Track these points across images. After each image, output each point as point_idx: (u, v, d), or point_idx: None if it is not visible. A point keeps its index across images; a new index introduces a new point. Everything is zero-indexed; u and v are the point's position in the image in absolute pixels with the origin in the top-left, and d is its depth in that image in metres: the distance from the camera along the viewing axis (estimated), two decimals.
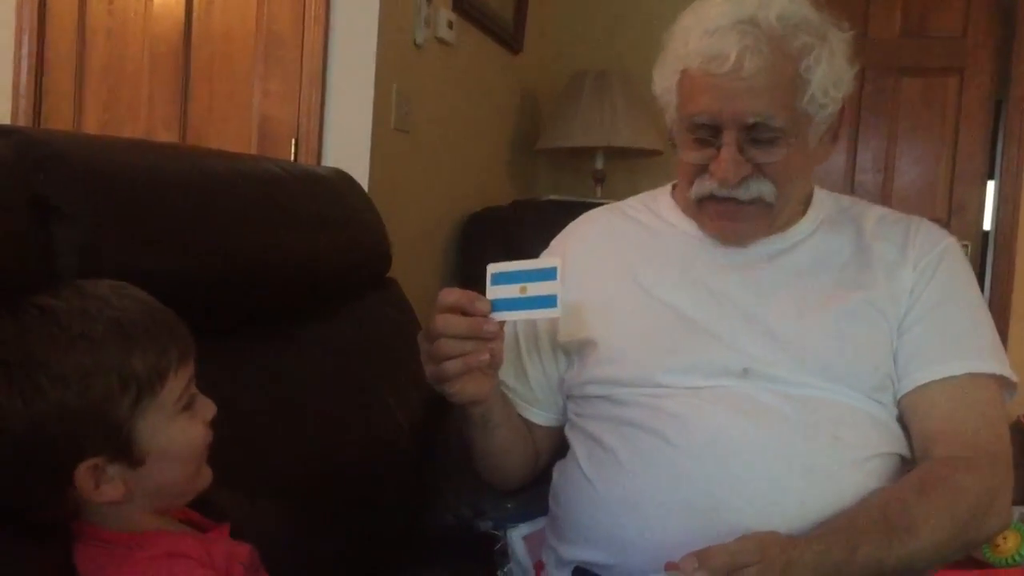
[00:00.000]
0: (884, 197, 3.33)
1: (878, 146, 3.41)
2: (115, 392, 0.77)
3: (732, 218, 1.16)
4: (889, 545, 0.99)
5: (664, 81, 1.17)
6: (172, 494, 0.84)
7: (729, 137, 1.10)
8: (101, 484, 0.78)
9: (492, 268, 1.03)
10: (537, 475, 1.29)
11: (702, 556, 0.91)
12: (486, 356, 1.04)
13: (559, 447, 1.27)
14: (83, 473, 0.77)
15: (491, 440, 1.20)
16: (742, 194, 1.12)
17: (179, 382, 0.81)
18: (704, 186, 1.14)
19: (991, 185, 3.47)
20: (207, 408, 0.85)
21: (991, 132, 3.40)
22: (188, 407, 0.83)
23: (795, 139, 1.11)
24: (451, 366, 1.04)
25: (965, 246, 3.27)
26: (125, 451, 0.78)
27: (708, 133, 1.12)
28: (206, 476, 0.86)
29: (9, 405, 0.74)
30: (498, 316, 1.02)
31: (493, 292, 1.03)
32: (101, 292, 0.80)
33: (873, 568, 0.99)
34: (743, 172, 1.11)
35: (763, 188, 1.12)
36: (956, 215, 3.33)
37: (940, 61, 3.35)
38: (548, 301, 1.01)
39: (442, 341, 1.04)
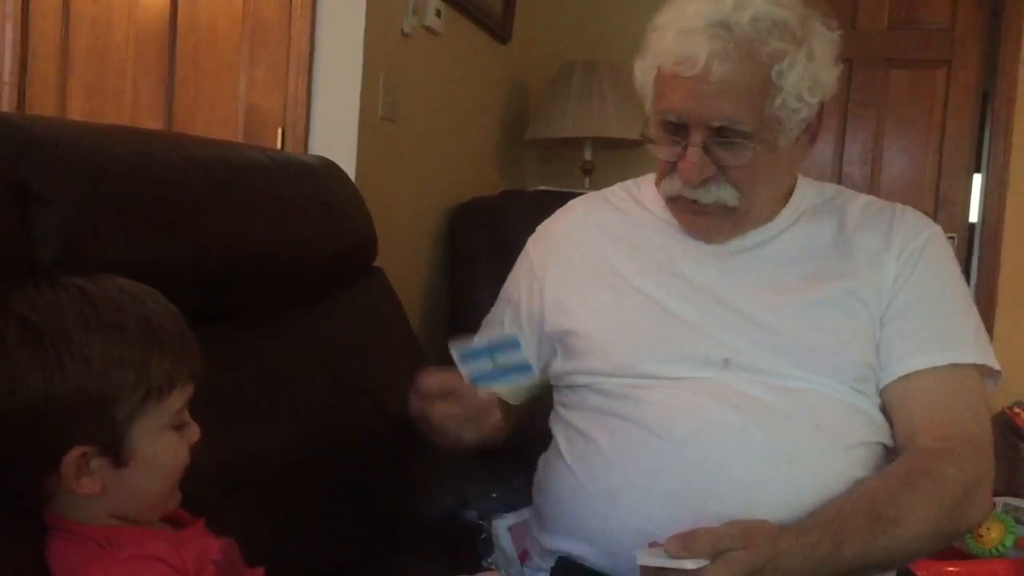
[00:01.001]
0: (871, 189, 3.34)
1: (865, 138, 3.41)
2: (127, 387, 0.78)
3: (697, 214, 1.17)
4: (875, 537, 1.00)
5: (643, 75, 1.18)
6: (141, 506, 0.84)
7: (696, 137, 1.10)
8: (82, 475, 0.78)
9: (454, 347, 1.05)
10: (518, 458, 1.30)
11: (687, 538, 0.92)
12: (488, 426, 1.11)
13: (525, 416, 1.30)
14: (71, 459, 0.77)
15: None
16: (703, 196, 1.13)
17: (181, 397, 0.83)
18: (672, 185, 1.15)
19: (977, 177, 3.48)
20: (193, 432, 0.86)
21: (978, 124, 3.41)
22: (179, 426, 0.84)
23: (762, 144, 1.10)
24: (450, 432, 1.11)
25: (951, 238, 3.28)
26: (114, 448, 0.79)
27: (677, 131, 1.13)
28: (175, 499, 0.87)
29: (30, 369, 0.75)
30: (481, 388, 1.05)
31: (467, 369, 1.05)
32: (135, 291, 0.82)
33: (859, 560, 1.00)
34: (706, 173, 1.11)
35: (723, 193, 1.12)
36: (943, 207, 3.34)
37: (928, 53, 3.35)
38: (522, 369, 1.05)
39: (438, 419, 1.10)
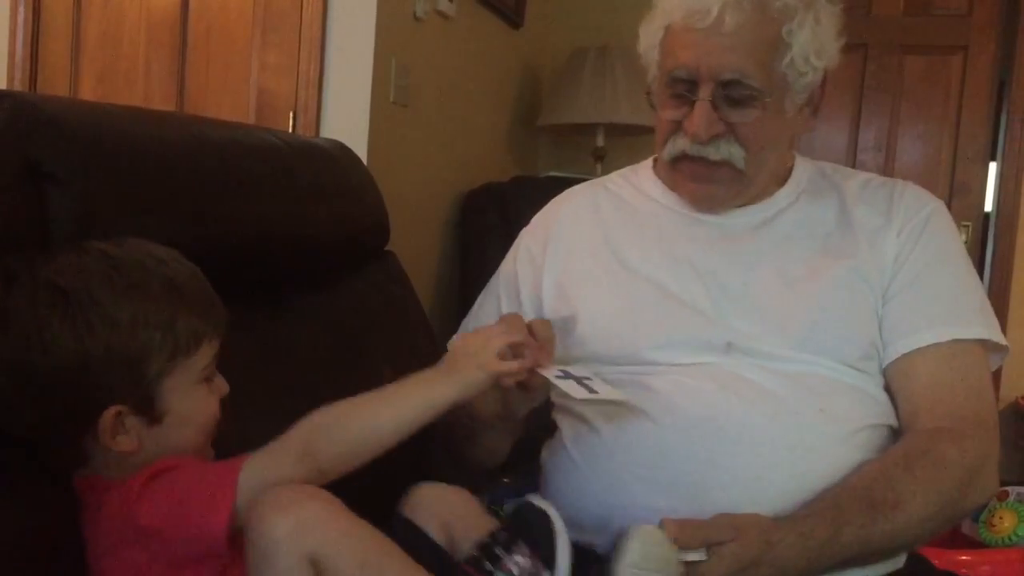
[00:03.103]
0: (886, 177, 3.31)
1: (880, 125, 3.38)
2: (155, 346, 0.80)
3: (703, 180, 1.15)
4: (874, 522, 0.99)
5: (648, 38, 1.17)
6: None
7: (705, 92, 1.09)
8: (118, 434, 0.81)
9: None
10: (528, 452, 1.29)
11: (679, 524, 0.93)
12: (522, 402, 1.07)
13: (540, 421, 1.26)
14: (107, 418, 0.79)
15: (478, 448, 1.24)
16: (711, 153, 1.12)
17: (209, 352, 0.85)
18: (677, 144, 1.14)
19: (993, 166, 3.46)
20: (222, 386, 0.89)
21: (994, 112, 3.38)
22: (209, 380, 0.87)
23: (770, 101, 1.10)
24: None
25: (966, 226, 3.26)
26: (148, 405, 0.81)
27: (685, 88, 1.11)
28: (209, 454, 0.89)
29: (60, 333, 0.77)
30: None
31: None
32: (159, 253, 0.85)
33: (858, 546, 0.99)
34: (715, 129, 1.10)
35: (733, 150, 1.12)
36: (957, 196, 3.32)
37: (944, 39, 3.32)
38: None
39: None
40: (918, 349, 1.11)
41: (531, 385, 1.03)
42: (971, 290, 1.16)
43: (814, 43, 1.10)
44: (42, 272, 0.80)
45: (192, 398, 0.84)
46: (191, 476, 0.81)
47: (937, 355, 1.11)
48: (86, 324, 0.77)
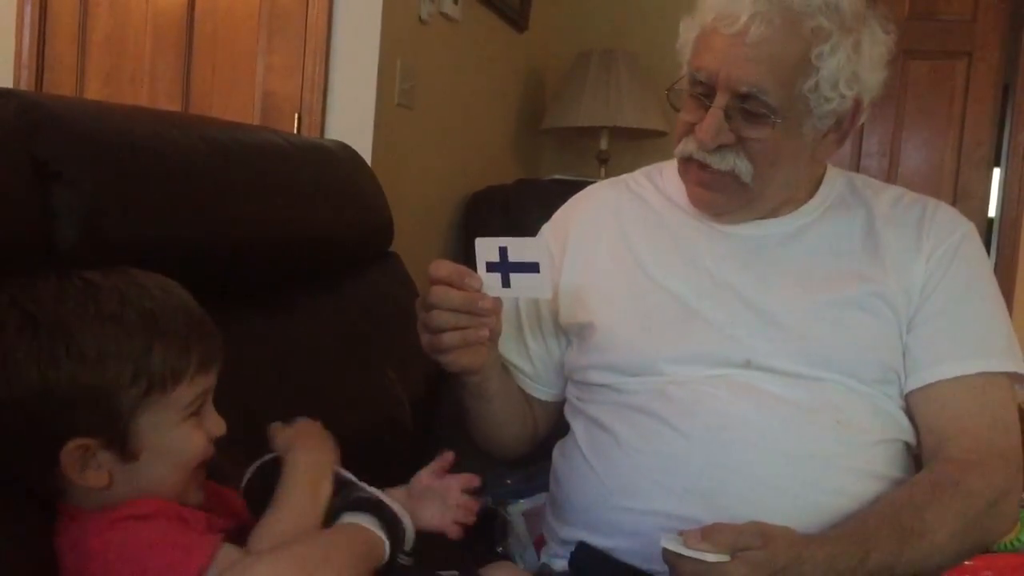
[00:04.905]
0: (889, 182, 3.31)
1: (884, 130, 3.39)
2: (125, 381, 0.76)
3: (706, 186, 1.13)
4: (900, 550, 0.98)
5: (686, 33, 1.14)
6: (156, 496, 0.81)
7: (720, 100, 1.07)
8: (87, 468, 0.77)
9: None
10: (535, 447, 1.28)
11: (707, 531, 0.92)
12: (484, 332, 1.05)
13: (559, 421, 1.25)
14: (70, 451, 0.76)
15: (487, 410, 1.20)
16: (716, 162, 1.10)
17: (193, 388, 0.80)
18: (687, 146, 1.12)
19: (997, 172, 3.46)
20: (216, 424, 0.84)
21: (998, 117, 3.38)
22: (197, 416, 0.82)
23: (785, 122, 1.07)
24: (447, 338, 1.05)
25: None
26: (120, 441, 0.77)
27: (704, 92, 1.10)
28: (197, 496, 0.84)
29: (26, 361, 0.74)
30: (488, 292, 1.03)
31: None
32: (145, 282, 0.80)
33: (884, 573, 0.98)
34: (722, 139, 1.08)
35: (739, 163, 1.09)
36: (961, 201, 3.32)
37: (948, 44, 3.32)
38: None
39: (436, 313, 1.04)
40: (944, 380, 1.09)
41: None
42: (999, 319, 1.14)
43: (846, 70, 1.06)
44: (18, 297, 0.76)
45: (173, 436, 0.79)
46: (160, 536, 0.76)
47: (964, 386, 1.09)
48: (50, 354, 0.74)
